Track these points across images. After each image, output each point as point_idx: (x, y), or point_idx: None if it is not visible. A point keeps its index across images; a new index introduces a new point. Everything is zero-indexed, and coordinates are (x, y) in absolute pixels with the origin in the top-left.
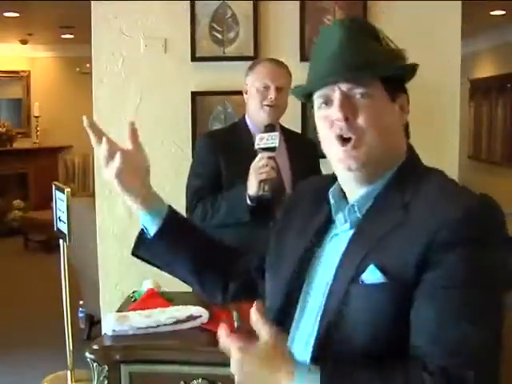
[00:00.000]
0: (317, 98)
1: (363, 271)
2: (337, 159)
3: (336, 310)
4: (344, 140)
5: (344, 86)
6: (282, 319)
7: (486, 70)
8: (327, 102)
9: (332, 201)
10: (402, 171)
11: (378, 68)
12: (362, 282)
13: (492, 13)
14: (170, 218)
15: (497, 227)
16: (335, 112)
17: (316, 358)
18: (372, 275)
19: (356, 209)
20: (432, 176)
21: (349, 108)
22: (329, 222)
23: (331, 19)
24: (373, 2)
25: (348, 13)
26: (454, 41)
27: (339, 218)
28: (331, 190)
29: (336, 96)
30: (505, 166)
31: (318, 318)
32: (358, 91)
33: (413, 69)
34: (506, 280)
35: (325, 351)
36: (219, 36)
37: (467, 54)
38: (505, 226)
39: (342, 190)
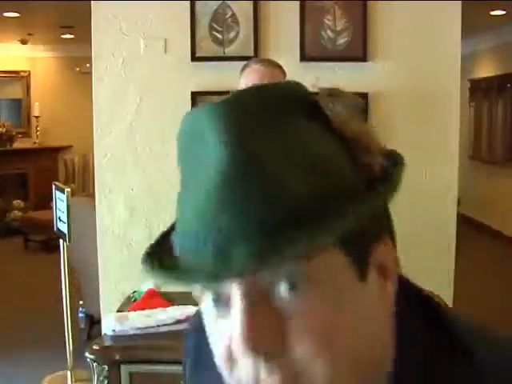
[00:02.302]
0: (201, 289)
1: None
2: None
3: None
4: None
5: (249, 272)
6: None
7: (486, 69)
8: (219, 299)
9: None
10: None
11: (333, 220)
12: None
13: (492, 13)
14: None
15: None
16: (238, 337)
17: None
18: None
19: None
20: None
21: (267, 328)
22: None
23: (331, 19)
24: (373, 2)
25: (348, 13)
26: (453, 41)
27: None
28: None
29: (236, 298)
30: (505, 166)
31: None
32: (283, 278)
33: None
34: None
35: None
36: (219, 36)
37: (467, 54)
38: None
39: None
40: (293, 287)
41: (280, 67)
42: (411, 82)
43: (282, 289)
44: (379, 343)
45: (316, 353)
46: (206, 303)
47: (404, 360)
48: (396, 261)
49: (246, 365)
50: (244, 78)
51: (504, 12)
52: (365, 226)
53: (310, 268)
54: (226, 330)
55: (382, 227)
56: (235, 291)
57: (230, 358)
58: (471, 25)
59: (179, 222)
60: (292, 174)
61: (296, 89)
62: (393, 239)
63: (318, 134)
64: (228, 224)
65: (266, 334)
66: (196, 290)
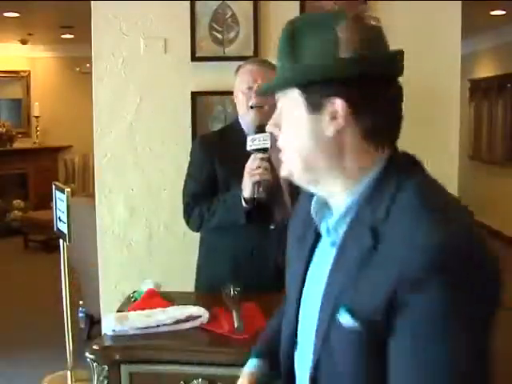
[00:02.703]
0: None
1: (338, 311)
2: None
3: (321, 347)
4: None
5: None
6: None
7: (486, 69)
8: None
9: (314, 205)
10: (373, 185)
11: (286, 77)
12: (339, 322)
13: (492, 13)
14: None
15: (476, 265)
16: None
17: None
18: (345, 318)
19: (331, 228)
20: (407, 190)
21: (275, 120)
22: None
23: None
24: (373, 2)
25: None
26: (453, 41)
27: (322, 227)
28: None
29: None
30: (505, 166)
31: (312, 350)
32: (271, 102)
33: (363, 61)
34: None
35: None
36: (219, 36)
37: (467, 54)
38: (486, 264)
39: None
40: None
41: (274, 66)
42: (411, 81)
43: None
44: (314, 156)
45: (283, 141)
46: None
47: (375, 178)
48: (346, 112)
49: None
50: (239, 78)
51: (504, 12)
52: (315, 84)
53: (282, 99)
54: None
55: (341, 94)
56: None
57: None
58: (471, 25)
59: None
60: (308, 53)
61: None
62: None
63: (321, 37)
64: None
65: (275, 122)
66: None
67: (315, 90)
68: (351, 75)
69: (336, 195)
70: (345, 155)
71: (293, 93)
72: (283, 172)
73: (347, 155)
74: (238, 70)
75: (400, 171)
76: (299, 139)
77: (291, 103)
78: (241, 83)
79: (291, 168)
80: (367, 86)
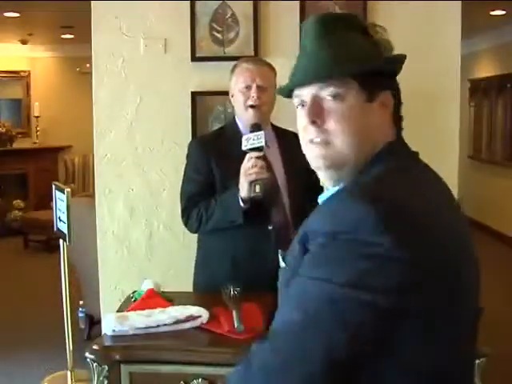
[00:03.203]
0: (294, 98)
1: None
2: (309, 158)
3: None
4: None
5: (314, 88)
6: None
7: (486, 69)
8: (302, 103)
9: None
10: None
11: (348, 66)
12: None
13: (492, 13)
14: None
15: (363, 227)
16: (304, 116)
17: None
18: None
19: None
20: (364, 176)
21: (317, 112)
22: None
23: None
24: (373, 2)
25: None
26: (454, 41)
27: None
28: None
29: (306, 99)
30: (505, 166)
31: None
32: (328, 92)
33: (396, 61)
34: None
35: None
36: (219, 36)
37: (467, 54)
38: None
39: None
40: (333, 97)
41: (270, 66)
42: (411, 81)
43: (328, 98)
44: (375, 144)
45: (336, 129)
46: (297, 112)
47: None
48: (391, 102)
49: (308, 130)
50: (235, 77)
51: (504, 12)
52: (370, 76)
53: (341, 90)
54: (302, 115)
55: (389, 88)
56: (307, 97)
57: (303, 128)
58: (471, 25)
59: (294, 66)
60: (343, 46)
61: (352, 17)
62: (397, 100)
63: (358, 34)
64: (313, 61)
65: (316, 114)
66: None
67: (370, 82)
68: (393, 71)
69: (343, 181)
70: (377, 140)
71: (349, 82)
72: (328, 157)
73: (377, 141)
74: (233, 69)
75: (389, 153)
76: (353, 127)
77: (348, 93)
78: (238, 82)
79: (338, 154)
80: (395, 81)
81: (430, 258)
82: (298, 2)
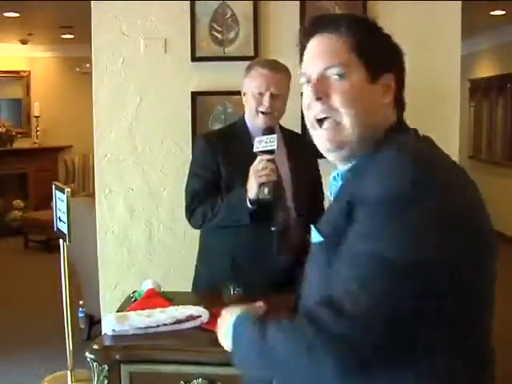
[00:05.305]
0: (302, 77)
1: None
2: (316, 142)
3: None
4: (319, 121)
5: (321, 65)
6: None
7: (486, 69)
8: (308, 80)
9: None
10: (378, 147)
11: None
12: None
13: (492, 13)
14: None
15: (404, 189)
16: (309, 91)
17: None
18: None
19: (335, 187)
20: (386, 150)
21: (322, 88)
22: None
23: None
24: (373, 2)
25: (348, 13)
26: (453, 41)
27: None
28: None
29: (313, 76)
30: (505, 166)
31: None
32: (334, 71)
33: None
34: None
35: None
36: (219, 36)
37: (467, 54)
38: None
39: None
40: (339, 76)
41: (286, 70)
42: (411, 81)
43: (334, 77)
44: (378, 124)
45: (342, 105)
46: (304, 89)
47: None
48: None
49: (313, 106)
50: (249, 79)
51: (504, 12)
52: (374, 60)
53: (346, 69)
54: (308, 92)
55: (393, 69)
56: (315, 74)
57: (307, 105)
58: (471, 25)
59: None
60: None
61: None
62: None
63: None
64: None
65: (321, 90)
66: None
67: (373, 64)
68: (399, 59)
69: (351, 159)
70: (381, 121)
71: (354, 62)
72: (336, 137)
73: (381, 121)
74: (248, 69)
75: (396, 137)
76: (358, 105)
77: (353, 72)
78: (252, 86)
79: (345, 131)
80: (400, 64)
81: (473, 218)
82: (298, 2)
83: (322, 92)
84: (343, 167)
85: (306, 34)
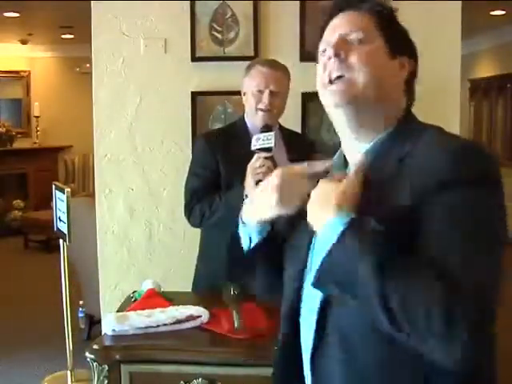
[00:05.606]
0: (320, 45)
1: None
2: (324, 101)
3: None
4: (332, 82)
5: (342, 31)
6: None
7: (486, 69)
8: (326, 47)
9: (335, 170)
10: (400, 127)
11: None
12: None
13: (492, 13)
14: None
15: (491, 171)
16: (329, 49)
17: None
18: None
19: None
20: (430, 130)
21: (342, 47)
22: None
23: None
24: None
25: None
26: (453, 41)
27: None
28: (334, 158)
29: (332, 40)
30: (505, 166)
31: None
32: (356, 36)
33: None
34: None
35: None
36: (219, 36)
37: (467, 54)
38: (498, 172)
39: (344, 158)
40: (360, 41)
41: (286, 69)
42: None
43: (356, 41)
44: (393, 98)
45: (359, 63)
46: (319, 58)
47: (402, 122)
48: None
49: (328, 66)
50: (249, 78)
51: (504, 12)
52: (395, 39)
53: (368, 35)
54: (324, 61)
55: (409, 53)
56: (335, 36)
57: (323, 66)
58: (471, 25)
59: None
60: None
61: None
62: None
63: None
64: None
65: (341, 48)
66: None
67: (393, 41)
68: (414, 51)
69: (365, 135)
70: (397, 97)
71: (376, 33)
72: (348, 90)
73: (397, 97)
74: (248, 69)
75: (416, 118)
76: (375, 66)
77: (374, 41)
78: (251, 85)
79: (358, 87)
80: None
81: None
82: (297, 2)
83: (341, 49)
84: (355, 155)
85: (330, 14)
